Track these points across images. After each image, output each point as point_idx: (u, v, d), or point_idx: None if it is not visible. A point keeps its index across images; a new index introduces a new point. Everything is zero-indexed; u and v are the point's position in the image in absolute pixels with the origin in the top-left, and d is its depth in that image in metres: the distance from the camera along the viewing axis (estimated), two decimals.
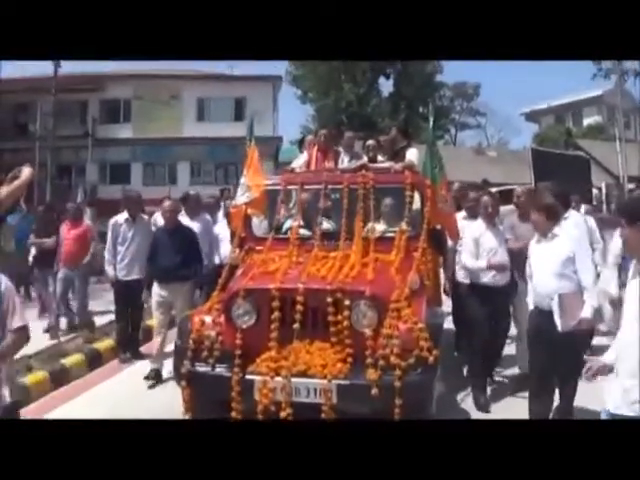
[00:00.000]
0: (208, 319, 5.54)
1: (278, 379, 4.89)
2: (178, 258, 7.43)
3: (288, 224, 6.94)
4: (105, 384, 7.62)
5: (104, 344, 8.79)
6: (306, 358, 5.01)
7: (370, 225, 6.57)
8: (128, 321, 8.59)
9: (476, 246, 6.34)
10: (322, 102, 33.72)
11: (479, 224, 6.49)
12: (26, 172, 5.05)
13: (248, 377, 5.03)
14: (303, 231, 6.76)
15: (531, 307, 5.43)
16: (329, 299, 5.11)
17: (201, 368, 5.26)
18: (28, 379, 6.99)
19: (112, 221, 8.55)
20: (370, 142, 7.96)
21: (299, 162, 7.97)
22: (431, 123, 6.64)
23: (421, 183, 6.52)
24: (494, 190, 8.20)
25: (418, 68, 32.90)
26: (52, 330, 9.46)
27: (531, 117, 45.28)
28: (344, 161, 7.83)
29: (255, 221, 7.16)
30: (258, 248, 6.56)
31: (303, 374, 4.90)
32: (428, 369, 4.81)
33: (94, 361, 8.29)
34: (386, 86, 36.35)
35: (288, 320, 5.13)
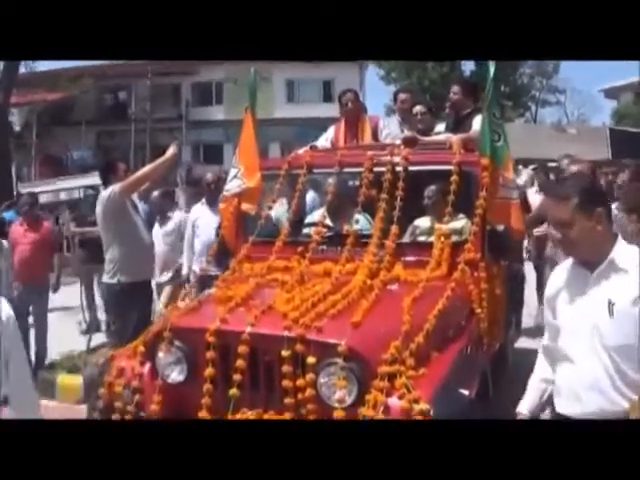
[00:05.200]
0: (128, 366, 3.47)
1: None
2: None
3: (312, 218, 4.70)
4: None
5: None
6: None
7: (415, 224, 4.44)
8: None
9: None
10: (405, 82, 31.38)
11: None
12: (170, 150, 5.07)
13: None
14: (306, 230, 4.49)
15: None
16: (285, 353, 2.96)
17: None
18: None
19: None
20: (418, 108, 5.30)
21: (323, 138, 5.63)
22: (491, 74, 4.08)
23: (473, 163, 4.05)
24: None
25: None
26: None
27: (610, 93, 41.65)
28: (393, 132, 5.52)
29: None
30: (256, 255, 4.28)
31: None
32: None
33: None
34: (468, 64, 33.68)
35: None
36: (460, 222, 4.21)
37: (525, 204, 5.88)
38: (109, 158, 5.81)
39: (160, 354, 3.30)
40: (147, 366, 3.40)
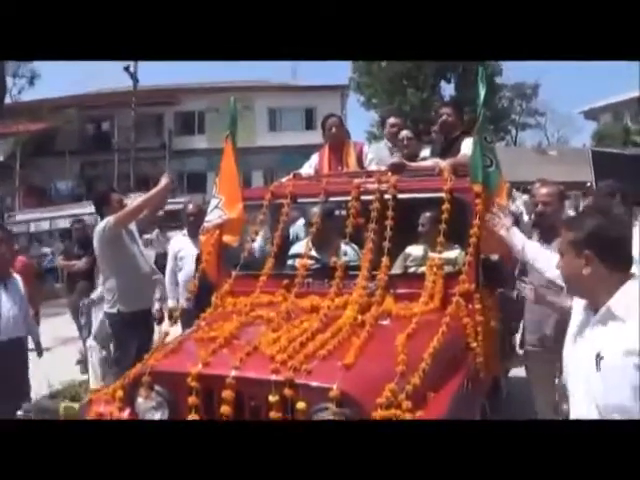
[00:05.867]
0: (107, 411, 3.20)
1: None
2: None
3: (295, 249, 4.44)
4: None
5: None
6: None
7: (407, 252, 4.24)
8: None
9: None
10: (386, 108, 31.44)
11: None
12: (162, 181, 5.04)
13: None
14: (291, 261, 4.25)
15: None
16: (272, 398, 2.70)
17: None
18: None
19: None
20: (404, 133, 5.15)
21: (307, 166, 5.39)
22: (482, 97, 3.89)
23: (464, 189, 3.85)
24: None
25: (477, 70, 30.74)
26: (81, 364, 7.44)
27: (589, 115, 41.89)
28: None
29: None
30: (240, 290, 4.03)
31: None
32: None
33: None
34: (448, 90, 34.01)
35: None
36: (454, 252, 4.01)
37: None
38: (103, 189, 5.76)
39: (139, 399, 3.06)
40: (126, 412, 3.14)
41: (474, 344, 3.50)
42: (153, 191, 5.08)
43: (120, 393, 3.19)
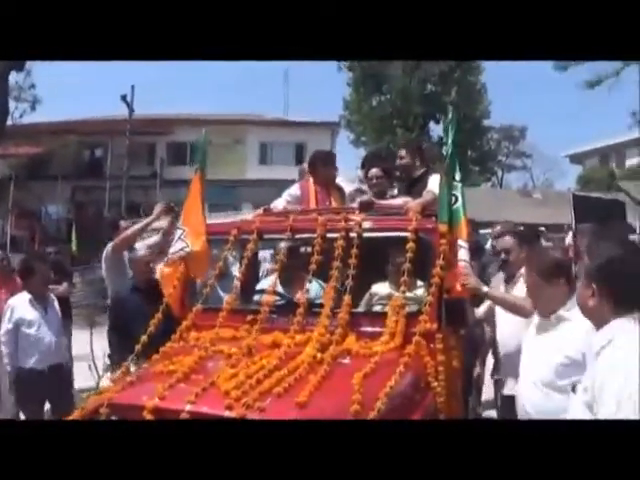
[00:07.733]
0: None
1: None
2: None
3: (264, 284, 4.40)
4: None
5: None
6: None
7: (373, 291, 4.23)
8: None
9: None
10: (375, 146, 31.50)
11: None
12: (156, 209, 5.19)
13: None
14: (257, 297, 4.21)
15: None
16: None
17: None
18: None
19: None
20: (374, 171, 5.01)
21: (286, 197, 5.28)
22: (450, 137, 3.91)
23: (429, 230, 3.85)
24: None
25: (466, 112, 30.85)
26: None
27: (575, 159, 42.62)
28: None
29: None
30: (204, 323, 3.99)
31: None
32: None
33: None
34: (436, 130, 33.94)
35: None
36: (419, 290, 4.01)
37: None
38: (114, 217, 6.73)
39: None
40: None
41: (435, 384, 3.48)
42: (148, 219, 5.33)
43: None
